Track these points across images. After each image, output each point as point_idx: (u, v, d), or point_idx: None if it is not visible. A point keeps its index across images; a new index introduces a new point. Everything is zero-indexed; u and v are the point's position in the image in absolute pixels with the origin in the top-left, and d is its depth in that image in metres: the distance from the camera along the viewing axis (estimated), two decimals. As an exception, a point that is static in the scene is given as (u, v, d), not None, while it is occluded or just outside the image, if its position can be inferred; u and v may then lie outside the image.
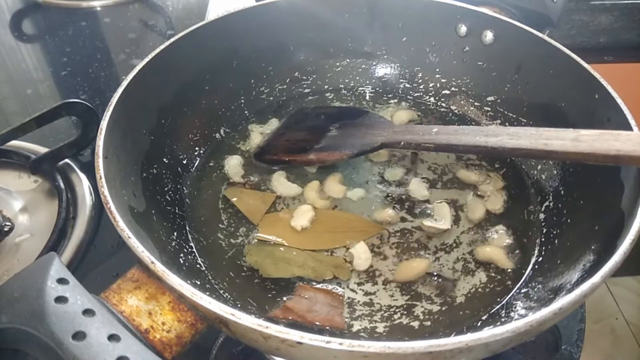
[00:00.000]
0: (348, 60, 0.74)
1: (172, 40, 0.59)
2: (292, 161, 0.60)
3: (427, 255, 0.54)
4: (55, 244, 0.60)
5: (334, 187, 0.60)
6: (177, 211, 0.57)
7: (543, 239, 0.55)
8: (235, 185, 0.61)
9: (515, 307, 0.49)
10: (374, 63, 0.75)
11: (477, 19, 0.66)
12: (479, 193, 0.60)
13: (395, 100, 0.73)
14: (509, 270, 0.53)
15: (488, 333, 0.32)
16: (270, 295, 0.51)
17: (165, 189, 0.57)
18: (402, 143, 0.55)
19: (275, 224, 0.56)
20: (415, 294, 0.51)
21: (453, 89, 0.71)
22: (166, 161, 0.59)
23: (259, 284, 0.52)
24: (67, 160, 0.70)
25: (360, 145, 0.57)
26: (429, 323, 0.49)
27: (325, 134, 0.61)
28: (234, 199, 0.59)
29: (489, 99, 0.68)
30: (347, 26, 0.72)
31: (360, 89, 0.75)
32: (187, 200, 0.59)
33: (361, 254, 0.53)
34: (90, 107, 0.66)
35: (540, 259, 0.53)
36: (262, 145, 0.64)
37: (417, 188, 0.60)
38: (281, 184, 0.61)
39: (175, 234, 0.54)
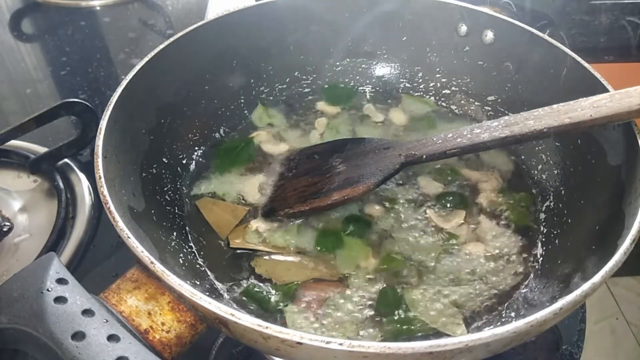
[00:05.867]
0: (348, 59, 0.74)
1: (171, 39, 0.59)
2: (315, 208, 0.55)
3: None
4: (54, 244, 0.60)
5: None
6: (176, 211, 0.57)
7: (544, 239, 0.55)
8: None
9: (515, 307, 0.49)
10: (374, 62, 0.75)
11: (478, 18, 0.66)
12: (479, 192, 0.60)
13: (395, 100, 0.73)
14: (511, 270, 0.53)
15: (489, 333, 0.32)
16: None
17: (165, 188, 0.57)
18: (424, 157, 0.53)
19: (245, 233, 0.56)
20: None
21: (453, 88, 0.71)
22: (166, 161, 0.59)
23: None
24: (66, 160, 0.70)
25: (380, 171, 0.55)
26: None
27: (332, 171, 0.57)
28: (205, 212, 0.57)
29: (489, 98, 0.68)
30: (347, 26, 0.72)
31: (361, 88, 0.75)
32: (186, 200, 0.59)
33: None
34: (89, 107, 0.66)
35: (541, 259, 0.53)
36: (267, 203, 0.58)
37: (428, 184, 0.60)
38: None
39: (175, 233, 0.53)
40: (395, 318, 0.48)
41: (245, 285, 0.51)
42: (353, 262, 0.53)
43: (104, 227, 0.64)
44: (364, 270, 0.52)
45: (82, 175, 0.69)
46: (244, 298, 0.50)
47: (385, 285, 0.51)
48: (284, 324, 0.48)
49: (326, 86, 0.74)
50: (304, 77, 0.74)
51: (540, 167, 0.61)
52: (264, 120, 0.69)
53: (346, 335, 0.47)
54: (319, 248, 0.54)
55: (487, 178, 0.61)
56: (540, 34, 0.60)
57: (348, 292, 0.50)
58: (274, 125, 0.69)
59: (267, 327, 0.32)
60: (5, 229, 0.62)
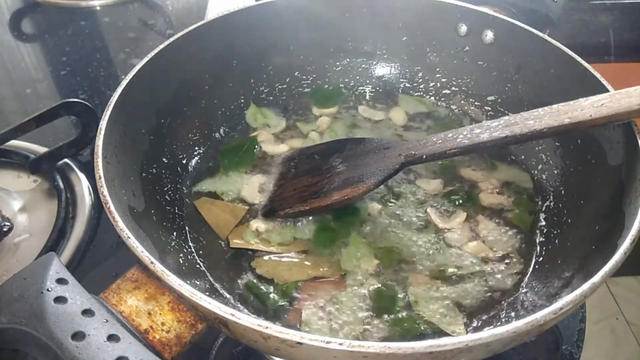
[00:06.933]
0: (348, 59, 0.74)
1: (171, 39, 0.59)
2: (315, 208, 0.55)
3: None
4: (54, 244, 0.60)
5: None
6: (176, 211, 0.57)
7: (543, 239, 0.55)
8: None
9: (515, 307, 0.49)
10: (374, 62, 0.75)
11: (478, 18, 0.66)
12: (479, 191, 0.60)
13: (395, 100, 0.73)
14: (511, 270, 0.53)
15: (489, 333, 0.32)
16: (270, 295, 0.51)
17: (165, 188, 0.57)
18: (424, 157, 0.53)
19: (245, 233, 0.56)
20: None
21: (453, 88, 0.71)
22: (165, 161, 0.59)
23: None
24: (66, 160, 0.70)
25: (380, 171, 0.54)
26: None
27: (332, 171, 0.56)
28: (203, 212, 0.57)
29: (489, 98, 0.68)
30: (347, 26, 0.72)
31: (360, 88, 0.75)
32: (186, 200, 0.59)
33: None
34: (89, 107, 0.66)
35: (541, 259, 0.53)
36: (267, 203, 0.58)
37: (428, 184, 0.60)
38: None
39: (174, 233, 0.53)
40: (399, 317, 0.48)
41: (245, 284, 0.51)
42: (356, 261, 0.53)
43: (104, 227, 0.64)
44: (364, 269, 0.52)
45: (82, 175, 0.69)
46: (245, 296, 0.50)
47: (379, 286, 0.51)
48: (286, 323, 0.48)
49: (312, 89, 0.74)
50: (304, 77, 0.74)
51: (540, 167, 0.61)
52: (258, 120, 0.69)
53: (350, 334, 0.47)
54: (317, 246, 0.54)
55: (486, 177, 0.61)
56: (540, 34, 0.60)
57: (349, 291, 0.50)
58: (269, 125, 0.69)
59: (267, 327, 0.32)
60: (5, 229, 0.62)
